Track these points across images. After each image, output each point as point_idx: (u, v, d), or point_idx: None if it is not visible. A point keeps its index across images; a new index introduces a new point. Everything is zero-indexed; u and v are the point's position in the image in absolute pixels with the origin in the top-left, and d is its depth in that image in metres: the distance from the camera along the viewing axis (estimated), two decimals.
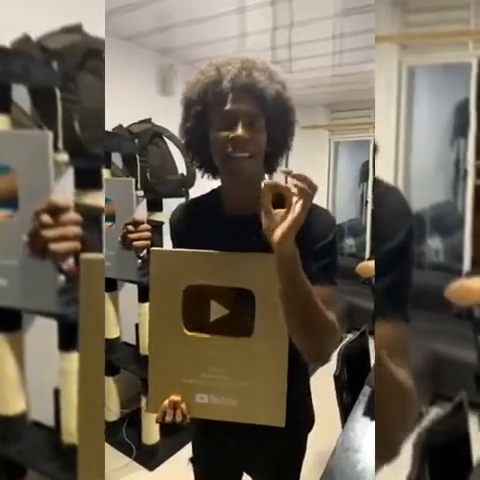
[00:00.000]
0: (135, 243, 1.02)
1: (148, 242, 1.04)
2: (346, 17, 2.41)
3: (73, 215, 0.69)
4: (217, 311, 0.84)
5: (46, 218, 0.67)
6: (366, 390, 1.34)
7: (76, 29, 1.54)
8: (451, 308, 1.73)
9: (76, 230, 0.68)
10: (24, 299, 0.91)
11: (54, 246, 0.67)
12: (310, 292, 0.72)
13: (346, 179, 4.82)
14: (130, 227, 1.02)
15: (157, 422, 0.88)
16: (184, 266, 0.84)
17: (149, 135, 2.33)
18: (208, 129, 0.85)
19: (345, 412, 1.38)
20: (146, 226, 1.04)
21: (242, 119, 0.81)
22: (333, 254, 0.86)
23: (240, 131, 0.80)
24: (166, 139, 2.41)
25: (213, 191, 0.97)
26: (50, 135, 0.79)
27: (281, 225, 0.66)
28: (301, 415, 0.99)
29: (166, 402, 0.85)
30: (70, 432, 1.38)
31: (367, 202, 4.43)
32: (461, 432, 1.17)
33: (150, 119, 2.45)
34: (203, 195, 1.00)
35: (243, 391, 0.84)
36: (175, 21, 2.40)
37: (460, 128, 3.13)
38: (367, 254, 4.29)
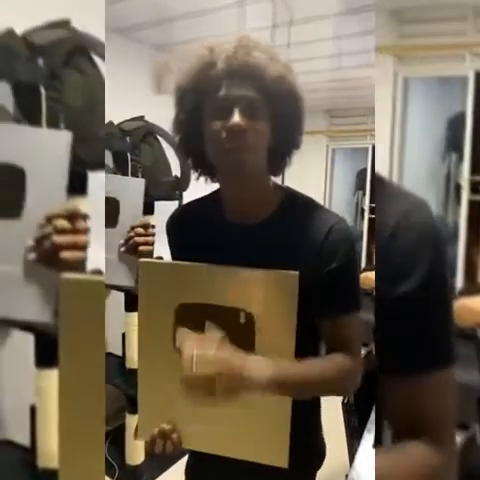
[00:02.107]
0: (141, 248, 0.94)
1: (153, 247, 0.97)
2: (346, 17, 2.33)
3: (85, 224, 0.66)
4: (212, 332, 0.72)
5: (63, 223, 0.63)
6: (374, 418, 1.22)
7: (63, 24, 1.44)
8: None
9: (86, 240, 0.65)
10: (16, 309, 0.79)
11: (66, 254, 0.64)
12: (314, 378, 0.72)
13: (342, 186, 4.76)
14: (140, 230, 0.96)
15: (146, 452, 0.78)
16: (177, 281, 0.76)
17: (142, 133, 2.22)
18: (203, 121, 0.75)
19: (353, 439, 1.27)
20: (153, 230, 0.98)
21: (239, 106, 0.70)
22: (354, 274, 0.77)
23: (237, 119, 0.69)
24: (160, 139, 2.30)
25: (214, 194, 0.86)
26: (70, 136, 0.71)
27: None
28: (309, 451, 0.88)
29: (156, 430, 0.76)
30: (46, 455, 1.27)
31: (363, 210, 4.37)
32: (475, 467, 1.07)
33: (143, 117, 2.34)
34: (203, 198, 0.90)
35: (242, 422, 0.74)
36: (171, 14, 2.29)
37: (452, 142, 3.09)
38: (363, 263, 4.23)
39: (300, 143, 0.79)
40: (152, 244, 0.97)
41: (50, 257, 0.64)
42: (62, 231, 0.63)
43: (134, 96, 2.62)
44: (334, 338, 0.78)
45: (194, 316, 0.74)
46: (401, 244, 0.50)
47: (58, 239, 0.63)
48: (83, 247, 0.65)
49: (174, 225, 0.91)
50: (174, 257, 0.92)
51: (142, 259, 0.77)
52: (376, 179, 0.58)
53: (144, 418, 0.80)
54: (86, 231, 0.65)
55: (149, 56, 2.78)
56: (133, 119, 2.33)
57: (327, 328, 0.78)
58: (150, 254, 0.96)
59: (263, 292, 0.71)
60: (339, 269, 0.74)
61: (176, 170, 2.29)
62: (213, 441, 0.77)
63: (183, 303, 0.74)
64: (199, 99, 0.73)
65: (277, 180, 0.84)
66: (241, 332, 0.72)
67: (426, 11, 2.87)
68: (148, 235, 0.96)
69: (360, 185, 4.54)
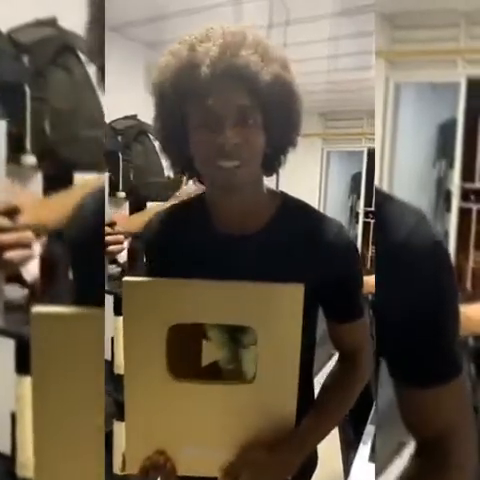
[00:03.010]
0: (111, 247, 0.90)
1: (124, 246, 0.94)
2: (343, 19, 2.31)
3: (28, 218, 0.63)
4: (211, 353, 0.69)
5: (4, 221, 0.60)
6: (370, 429, 1.19)
7: (50, 22, 1.42)
8: None
9: (30, 236, 0.62)
10: None
11: (11, 254, 0.60)
12: (329, 421, 0.72)
13: (337, 189, 4.74)
14: (107, 229, 0.89)
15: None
16: (167, 301, 0.67)
17: (134, 132, 2.18)
18: (186, 126, 0.67)
19: (348, 451, 1.23)
20: (120, 228, 0.95)
21: (230, 117, 0.62)
22: (357, 282, 0.75)
23: (228, 134, 0.61)
24: (153, 138, 2.25)
25: (199, 198, 0.78)
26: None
27: None
28: (305, 461, 0.83)
29: (147, 462, 0.69)
30: (23, 464, 1.23)
31: (357, 214, 4.36)
32: None
33: (135, 115, 2.30)
34: (186, 202, 0.81)
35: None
36: (166, 12, 2.26)
37: (442, 148, 3.10)
38: None
39: (296, 142, 0.72)
40: (122, 243, 0.92)
41: None
42: (3, 229, 0.60)
43: (127, 94, 2.57)
44: (343, 344, 0.79)
45: (189, 337, 0.69)
46: (410, 257, 0.50)
47: (0, 238, 0.59)
48: (27, 244, 0.61)
49: (152, 234, 0.80)
50: (150, 271, 0.81)
51: (126, 278, 0.67)
52: (376, 190, 0.56)
53: (132, 448, 0.71)
54: (29, 226, 0.62)
55: (143, 54, 2.74)
56: (125, 118, 2.28)
57: (335, 335, 0.79)
58: (119, 253, 0.93)
59: (266, 307, 0.66)
60: (344, 278, 0.72)
61: (169, 170, 2.25)
62: (209, 465, 0.70)
63: (176, 325, 0.67)
64: (180, 103, 0.65)
65: (271, 182, 0.78)
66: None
67: (418, 17, 2.86)
68: (116, 233, 0.92)
69: (354, 188, 4.52)
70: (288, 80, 0.65)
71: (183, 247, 0.76)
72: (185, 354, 0.70)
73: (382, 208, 0.53)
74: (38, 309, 0.51)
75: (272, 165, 0.73)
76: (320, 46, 2.80)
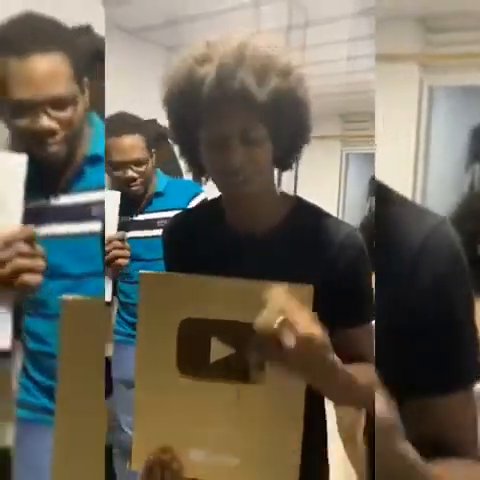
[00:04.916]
0: (120, 261, 0.97)
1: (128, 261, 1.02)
2: (361, 19, 2.29)
3: (41, 248, 0.68)
4: (219, 351, 0.68)
5: (24, 247, 0.66)
6: None
7: (84, 31, 1.44)
8: None
9: (44, 264, 0.68)
10: None
11: (29, 277, 0.65)
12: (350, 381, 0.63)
13: (357, 192, 4.69)
14: (118, 243, 0.97)
15: None
16: (179, 294, 0.71)
17: (153, 137, 2.17)
18: (197, 135, 0.71)
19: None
20: (127, 245, 1.01)
21: (233, 137, 0.66)
22: (368, 285, 0.72)
23: (232, 154, 0.66)
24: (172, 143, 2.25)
25: (214, 200, 0.84)
26: (25, 160, 0.73)
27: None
28: (315, 472, 0.83)
29: (152, 458, 0.69)
30: None
31: None
32: None
33: (155, 120, 2.30)
34: (202, 204, 0.89)
35: (248, 448, 0.70)
36: (187, 15, 2.26)
37: (476, 152, 3.02)
38: None
39: (309, 139, 0.75)
40: (128, 257, 0.99)
41: (9, 280, 0.65)
42: (22, 254, 0.65)
43: (147, 98, 2.59)
44: (349, 351, 0.73)
45: (198, 332, 0.70)
46: (428, 262, 0.49)
47: (21, 262, 0.64)
48: (41, 271, 0.67)
49: (171, 235, 0.86)
50: (168, 268, 0.86)
51: (142, 271, 0.72)
52: (385, 192, 0.56)
53: (139, 445, 0.72)
54: (43, 255, 0.68)
55: (162, 58, 2.76)
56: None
57: (341, 341, 0.73)
58: (125, 267, 0.99)
59: None
60: (361, 274, 0.72)
61: (188, 175, 2.25)
62: (216, 469, 0.71)
63: (187, 319, 0.69)
64: (188, 110, 0.69)
65: (290, 185, 0.81)
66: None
67: (453, 19, 2.80)
68: (124, 248, 0.98)
69: (373, 191, 4.47)
70: (290, 88, 0.67)
71: (198, 245, 0.80)
72: (195, 350, 0.70)
73: (393, 210, 0.53)
74: (66, 297, 0.57)
75: (287, 162, 0.77)
76: (339, 47, 2.78)
